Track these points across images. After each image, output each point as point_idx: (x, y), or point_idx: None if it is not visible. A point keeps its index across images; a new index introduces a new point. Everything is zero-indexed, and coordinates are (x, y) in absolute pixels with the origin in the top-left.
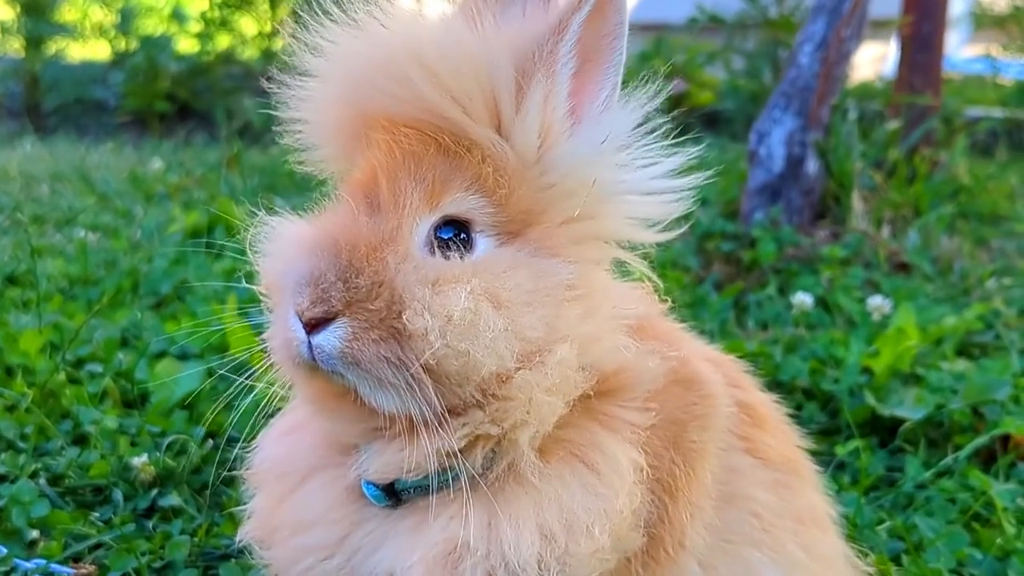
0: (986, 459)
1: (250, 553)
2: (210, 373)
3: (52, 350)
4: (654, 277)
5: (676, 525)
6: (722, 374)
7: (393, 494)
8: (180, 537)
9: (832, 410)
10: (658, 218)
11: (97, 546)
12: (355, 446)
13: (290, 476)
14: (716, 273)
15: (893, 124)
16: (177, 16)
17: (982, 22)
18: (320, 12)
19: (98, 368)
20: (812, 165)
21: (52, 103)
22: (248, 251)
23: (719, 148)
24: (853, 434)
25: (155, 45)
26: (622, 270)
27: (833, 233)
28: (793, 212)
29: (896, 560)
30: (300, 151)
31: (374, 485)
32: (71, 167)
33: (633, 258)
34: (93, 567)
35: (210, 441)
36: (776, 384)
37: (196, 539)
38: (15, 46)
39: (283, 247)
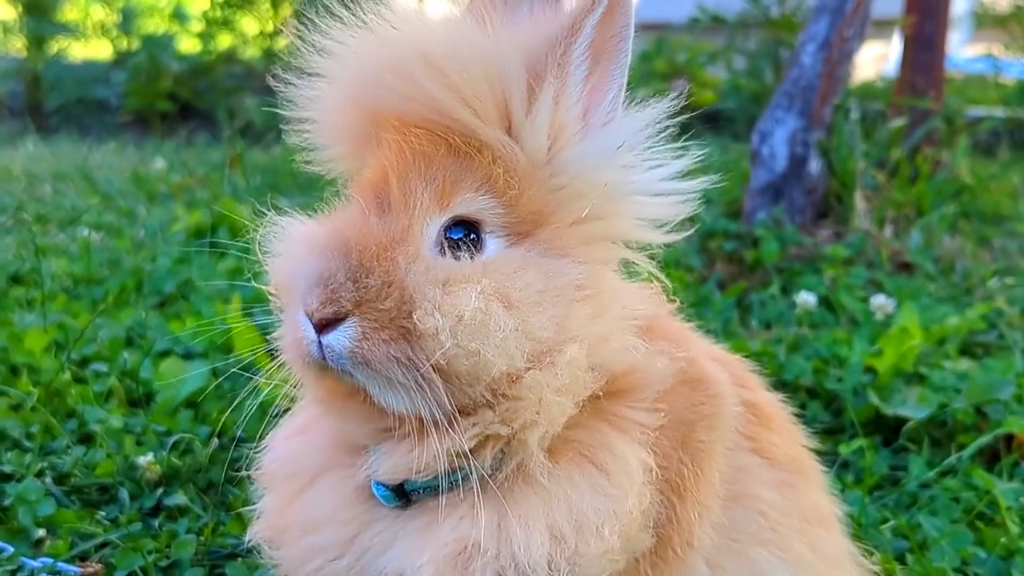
0: (990, 458)
1: (259, 553)
2: (215, 373)
3: (57, 349)
4: (662, 277)
5: (684, 525)
6: (729, 374)
7: (403, 494)
8: (186, 536)
9: (836, 409)
10: (666, 219)
11: (103, 545)
12: (365, 446)
13: (299, 476)
14: (719, 272)
15: (897, 122)
16: (179, 15)
17: (984, 21)
18: (328, 12)
19: (103, 367)
20: (815, 165)
21: (54, 102)
22: (257, 251)
23: (721, 148)
24: (857, 433)
25: (157, 44)
26: (630, 270)
27: (836, 232)
28: (796, 212)
29: (900, 559)
30: (308, 151)
31: (384, 485)
32: (74, 167)
33: (641, 258)
34: (100, 566)
35: (216, 440)
36: (780, 383)
37: (202, 538)
38: (17, 45)
39: (293, 247)
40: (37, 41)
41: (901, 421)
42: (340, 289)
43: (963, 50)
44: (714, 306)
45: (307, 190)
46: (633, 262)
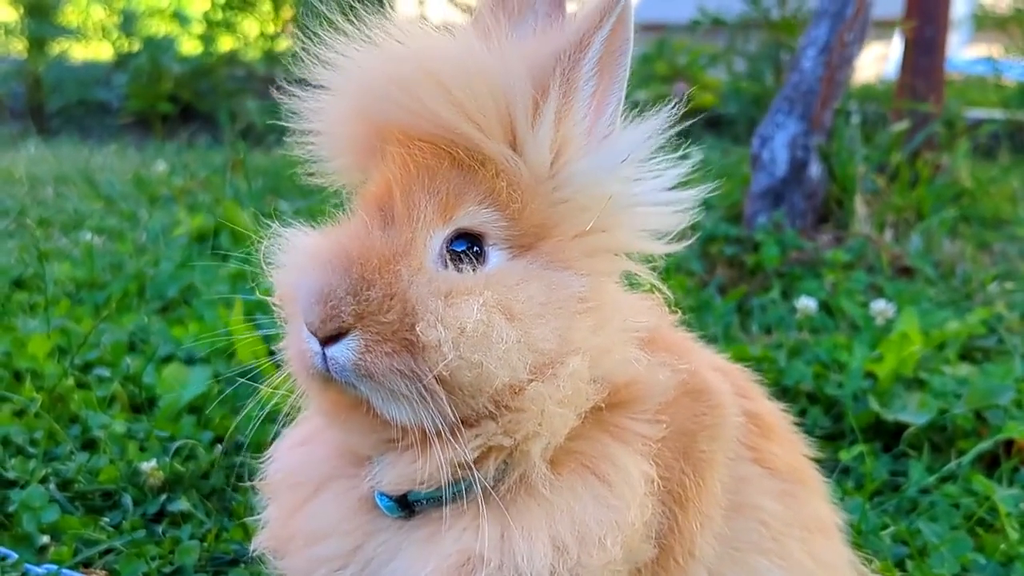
0: (989, 464)
1: (264, 562)
2: (218, 378)
3: (60, 354)
4: (664, 288)
5: (686, 535)
6: (730, 384)
7: (406, 505)
8: (189, 542)
9: (836, 415)
10: (668, 229)
11: (107, 551)
12: (368, 457)
13: (304, 486)
14: (720, 277)
15: (899, 126)
16: (179, 17)
17: (984, 23)
18: (332, 24)
19: (106, 372)
20: (815, 169)
21: (55, 104)
22: (262, 262)
23: (721, 151)
24: (857, 439)
25: (158, 46)
26: (631, 281)
27: (836, 237)
28: (796, 216)
29: (900, 565)
30: (311, 162)
31: (387, 496)
32: (75, 169)
33: (643, 270)
34: (103, 572)
35: (218, 446)
36: (780, 389)
37: (205, 544)
38: (18, 47)
39: (297, 259)
40: (38, 43)
41: (901, 427)
42: (341, 304)
43: (963, 52)
44: (715, 311)
45: (308, 194)
46: (635, 273)
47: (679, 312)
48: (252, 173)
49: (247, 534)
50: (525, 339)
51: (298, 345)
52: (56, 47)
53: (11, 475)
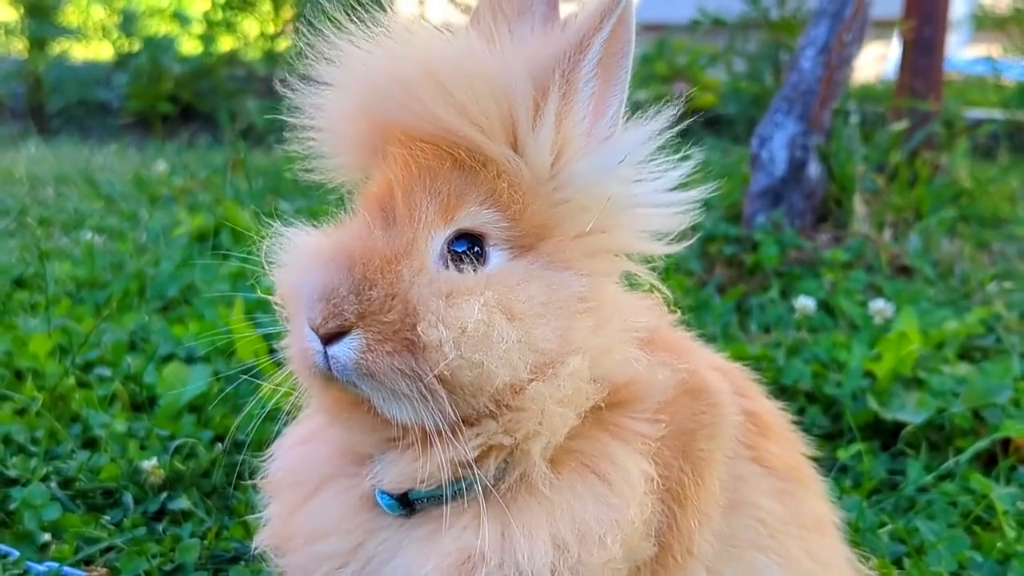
0: (987, 462)
1: (265, 560)
2: (218, 377)
3: (61, 354)
4: (663, 288)
5: (685, 533)
6: (729, 383)
7: (407, 504)
8: (190, 540)
9: (834, 414)
10: (668, 230)
11: (108, 549)
12: (370, 456)
13: (305, 485)
14: (719, 276)
15: (898, 126)
16: (180, 17)
17: (983, 23)
18: (334, 22)
19: (107, 372)
20: (814, 169)
21: (56, 104)
22: (263, 261)
23: (721, 151)
24: (855, 438)
25: (158, 46)
26: (631, 281)
27: (835, 237)
28: (795, 216)
29: (898, 563)
30: (310, 158)
31: (388, 495)
32: (76, 169)
33: (643, 270)
34: (104, 570)
35: (219, 444)
36: (779, 388)
37: (206, 542)
38: (18, 47)
39: (299, 258)
40: (38, 43)
41: (899, 425)
42: (342, 303)
43: (963, 52)
44: (714, 310)
45: (308, 194)
46: (635, 274)
47: (678, 312)
48: (252, 173)
49: (248, 532)
50: (526, 339)
51: (300, 344)
52: (56, 47)
53: (12, 473)
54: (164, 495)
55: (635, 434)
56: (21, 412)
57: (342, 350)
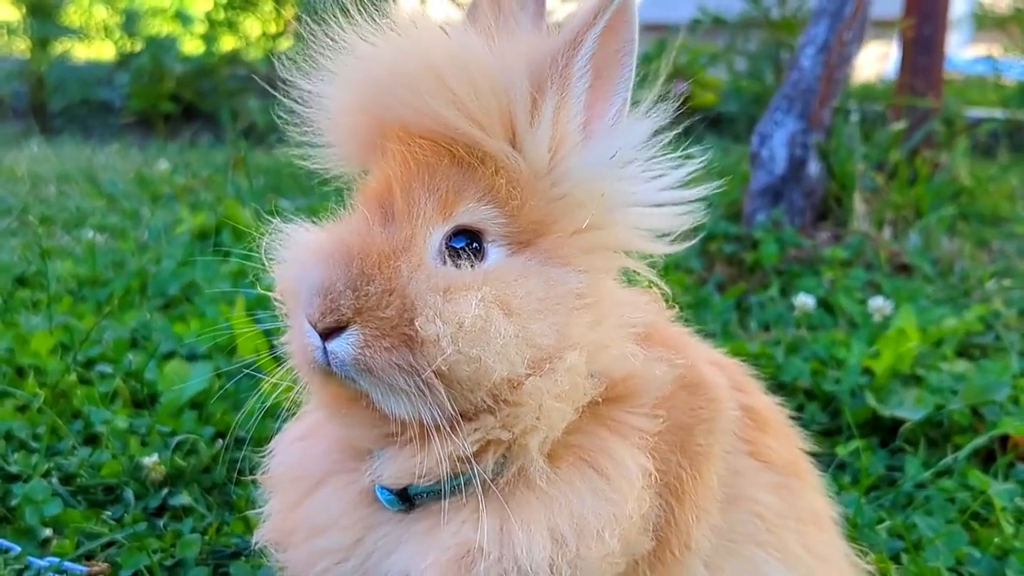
0: (985, 459)
1: (266, 555)
2: (219, 374)
3: (63, 351)
4: (661, 284)
5: (682, 527)
6: (727, 378)
7: (406, 498)
8: (191, 535)
9: (833, 411)
10: (667, 229)
11: (109, 544)
12: (369, 451)
13: (304, 480)
14: (719, 274)
15: (898, 125)
16: (182, 17)
17: (984, 23)
18: (335, 15)
19: (108, 369)
20: (814, 167)
21: (58, 104)
22: (263, 257)
23: (722, 149)
24: (854, 434)
25: (160, 46)
26: (629, 276)
27: (835, 235)
28: (795, 214)
29: (896, 559)
30: (309, 148)
31: (387, 490)
32: (78, 168)
33: (642, 267)
34: (105, 565)
35: (220, 441)
36: (778, 385)
37: (207, 537)
38: (21, 47)
39: (298, 254)
40: (41, 43)
41: (898, 422)
42: (340, 298)
43: (963, 51)
44: (713, 308)
45: (309, 192)
46: (634, 271)
47: (677, 308)
48: (253, 171)
49: (248, 528)
50: (523, 334)
51: (300, 339)
52: (59, 47)
53: (14, 469)
54: (165, 491)
55: (633, 429)
56: (23, 408)
57: (340, 345)
